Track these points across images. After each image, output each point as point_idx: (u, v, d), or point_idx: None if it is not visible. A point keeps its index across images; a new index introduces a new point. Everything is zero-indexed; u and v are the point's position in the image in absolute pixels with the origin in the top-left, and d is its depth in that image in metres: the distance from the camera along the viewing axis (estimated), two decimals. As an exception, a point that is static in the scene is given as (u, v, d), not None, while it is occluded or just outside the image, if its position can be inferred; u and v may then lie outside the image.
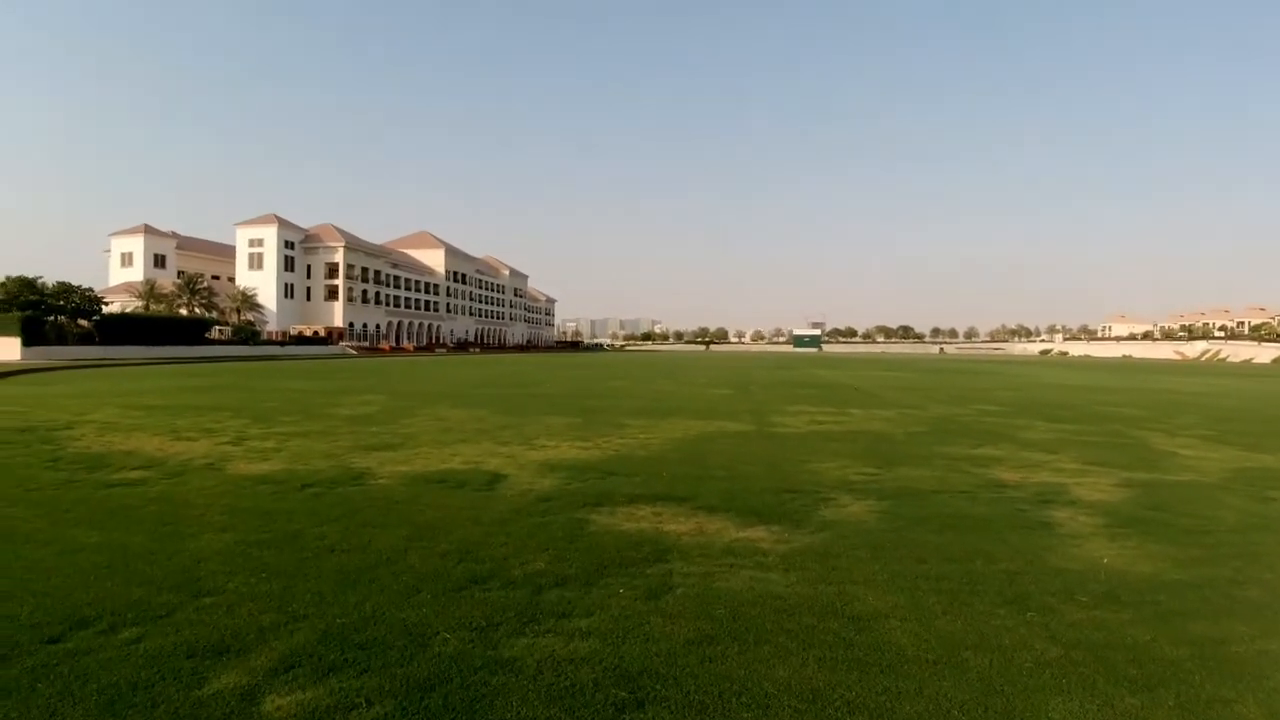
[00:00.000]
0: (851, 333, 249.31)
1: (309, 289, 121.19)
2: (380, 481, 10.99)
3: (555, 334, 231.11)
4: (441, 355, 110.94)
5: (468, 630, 5.51)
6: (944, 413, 24.23)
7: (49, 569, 6.77)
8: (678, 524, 8.86)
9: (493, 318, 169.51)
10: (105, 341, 74.26)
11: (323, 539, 7.77)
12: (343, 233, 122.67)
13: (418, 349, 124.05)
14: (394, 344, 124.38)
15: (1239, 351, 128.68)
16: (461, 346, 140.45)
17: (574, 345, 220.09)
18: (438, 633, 5.44)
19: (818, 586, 6.72)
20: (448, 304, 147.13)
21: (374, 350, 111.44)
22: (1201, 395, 35.32)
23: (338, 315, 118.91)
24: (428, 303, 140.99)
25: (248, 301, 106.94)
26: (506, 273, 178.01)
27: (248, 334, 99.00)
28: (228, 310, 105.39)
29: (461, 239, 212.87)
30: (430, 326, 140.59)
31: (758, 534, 8.47)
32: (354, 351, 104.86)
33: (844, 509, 9.82)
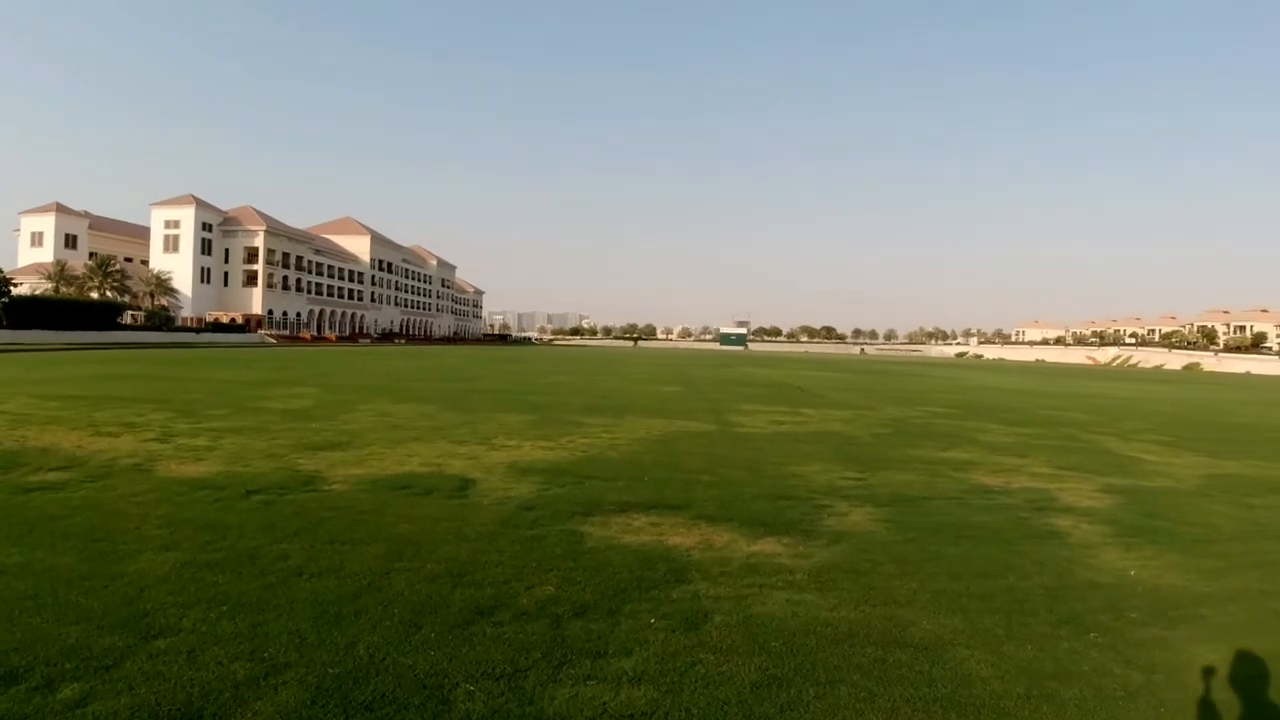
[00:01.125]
0: (776, 332, 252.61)
1: (227, 274, 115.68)
2: (335, 487, 9.81)
3: (483, 326, 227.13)
4: (366, 345, 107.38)
5: (492, 679, 4.56)
6: (896, 414, 24.06)
7: (-45, 600, 5.53)
8: (682, 536, 8.09)
9: (419, 308, 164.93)
10: (13, 325, 69.37)
11: (285, 559, 6.65)
12: (264, 216, 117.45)
13: (340, 339, 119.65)
14: (316, 333, 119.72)
15: (1150, 358, 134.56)
16: (386, 337, 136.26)
17: (502, 338, 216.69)
18: (457, 684, 4.47)
19: (863, 609, 6.13)
20: (372, 293, 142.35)
21: (295, 339, 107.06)
22: (1136, 401, 36.29)
23: (257, 302, 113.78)
24: (351, 291, 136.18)
25: (162, 285, 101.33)
26: (434, 262, 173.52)
27: (162, 319, 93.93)
28: (141, 294, 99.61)
29: (388, 227, 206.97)
30: (354, 315, 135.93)
31: (771, 547, 7.85)
32: (273, 340, 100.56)
33: (846, 518, 9.34)
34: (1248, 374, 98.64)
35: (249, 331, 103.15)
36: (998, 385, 47.11)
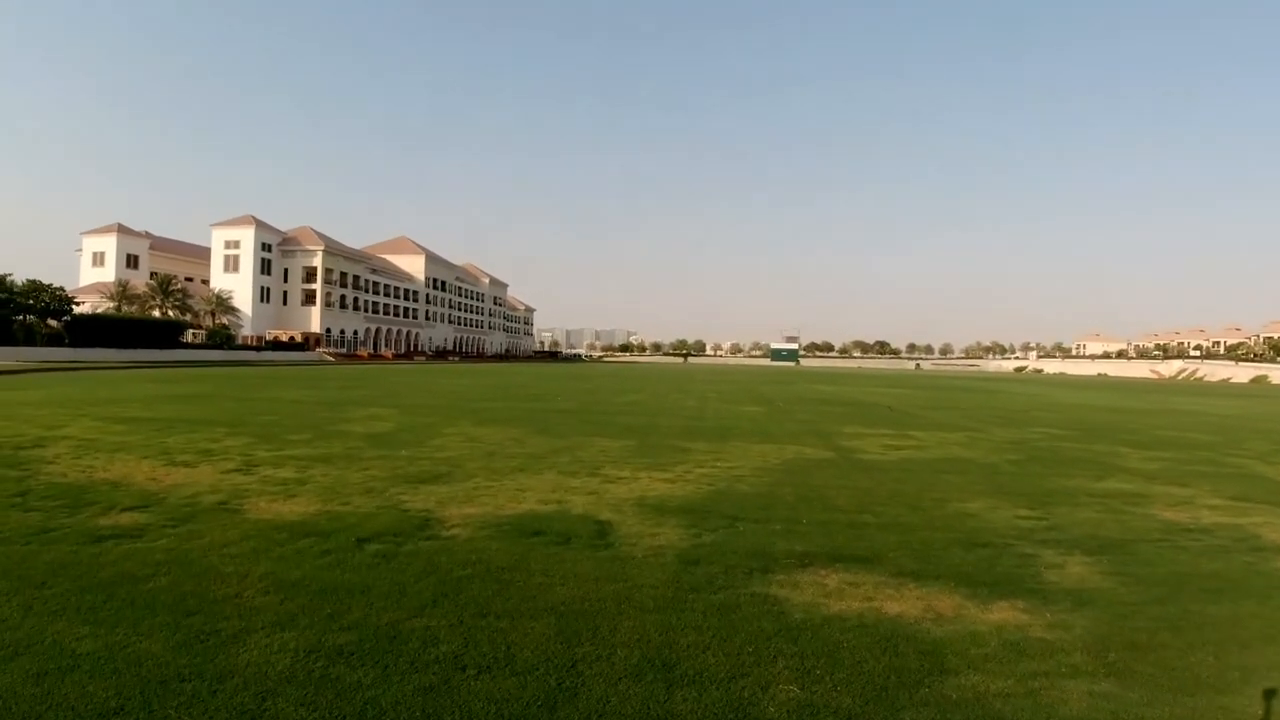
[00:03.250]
0: (829, 347, 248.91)
1: (285, 293, 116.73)
2: (456, 531, 8.40)
3: (534, 344, 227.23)
4: (421, 363, 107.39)
5: None
6: (1011, 436, 22.15)
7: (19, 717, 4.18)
8: (898, 602, 6.58)
9: (472, 326, 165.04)
10: (76, 343, 70.30)
11: (435, 642, 5.21)
12: (322, 236, 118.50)
13: (396, 356, 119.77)
14: (372, 351, 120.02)
15: (1216, 371, 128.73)
16: (440, 355, 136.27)
17: (552, 355, 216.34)
18: None
19: (1182, 700, 4.83)
20: (427, 311, 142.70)
21: (352, 357, 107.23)
22: (1237, 418, 33.66)
23: (315, 320, 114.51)
24: (406, 309, 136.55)
25: (223, 304, 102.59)
26: (486, 281, 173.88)
27: (223, 338, 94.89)
28: (202, 313, 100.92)
29: (440, 246, 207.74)
30: (408, 333, 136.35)
31: (1012, 616, 6.38)
32: (331, 358, 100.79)
33: (1064, 570, 7.88)
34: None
35: (307, 349, 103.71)
36: (1086, 403, 44.51)
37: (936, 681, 4.97)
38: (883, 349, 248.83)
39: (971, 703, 4.68)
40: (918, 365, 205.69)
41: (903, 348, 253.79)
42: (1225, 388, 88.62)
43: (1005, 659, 5.40)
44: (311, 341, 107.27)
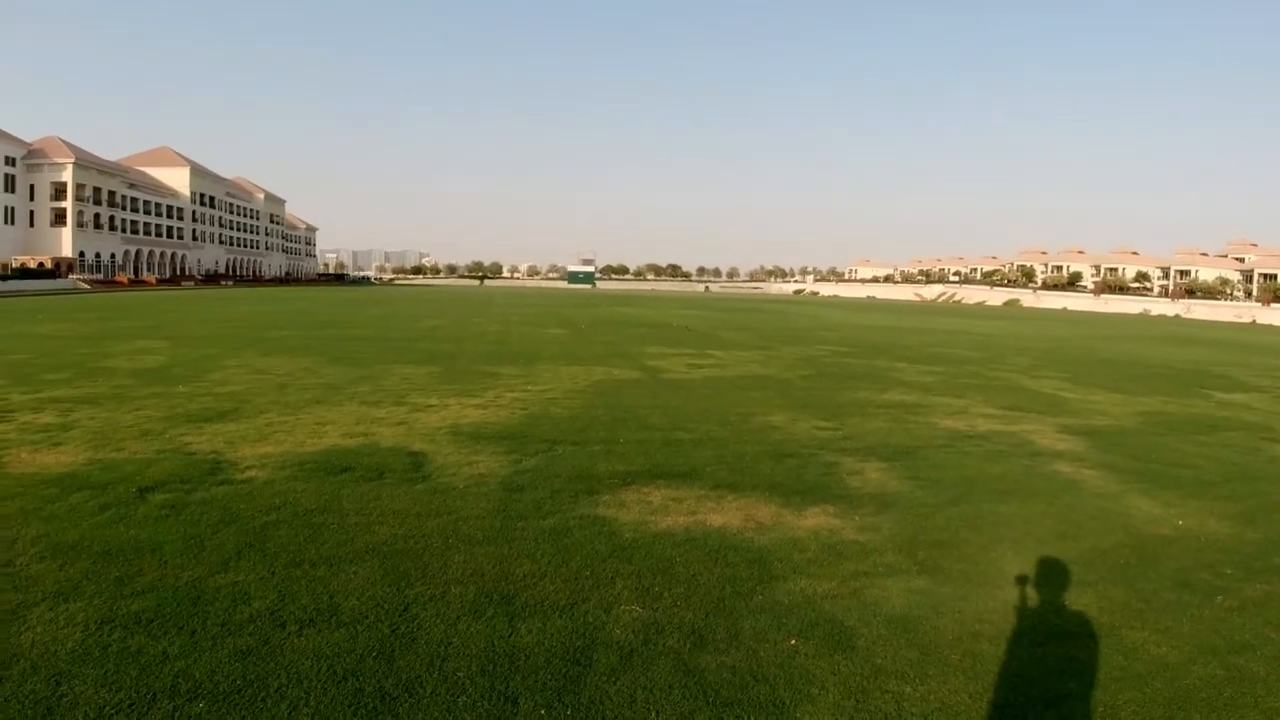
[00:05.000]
0: (624, 270, 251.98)
1: (32, 213, 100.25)
2: (253, 474, 7.63)
3: (317, 266, 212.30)
4: (190, 289, 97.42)
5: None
6: (802, 354, 23.59)
7: None
8: (721, 514, 6.81)
9: (246, 246, 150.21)
10: None
11: (246, 598, 4.67)
12: (72, 147, 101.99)
13: (161, 281, 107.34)
14: (133, 276, 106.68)
15: (973, 294, 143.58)
16: (212, 279, 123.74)
17: (339, 278, 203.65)
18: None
19: (991, 592, 5.29)
20: (194, 230, 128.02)
21: (111, 284, 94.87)
22: (998, 337, 37.85)
23: (66, 243, 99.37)
24: (171, 229, 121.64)
25: None
26: (261, 196, 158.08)
27: None
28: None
29: (210, 159, 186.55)
30: (174, 256, 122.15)
31: (826, 520, 6.81)
32: (87, 286, 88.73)
33: (864, 476, 8.53)
34: (1065, 309, 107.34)
35: (60, 277, 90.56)
36: (862, 323, 48.34)
37: (767, 588, 5.15)
38: (675, 272, 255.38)
39: (803, 606, 4.88)
40: (707, 288, 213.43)
41: (693, 271, 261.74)
42: (981, 310, 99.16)
43: (826, 562, 5.70)
44: (64, 267, 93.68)
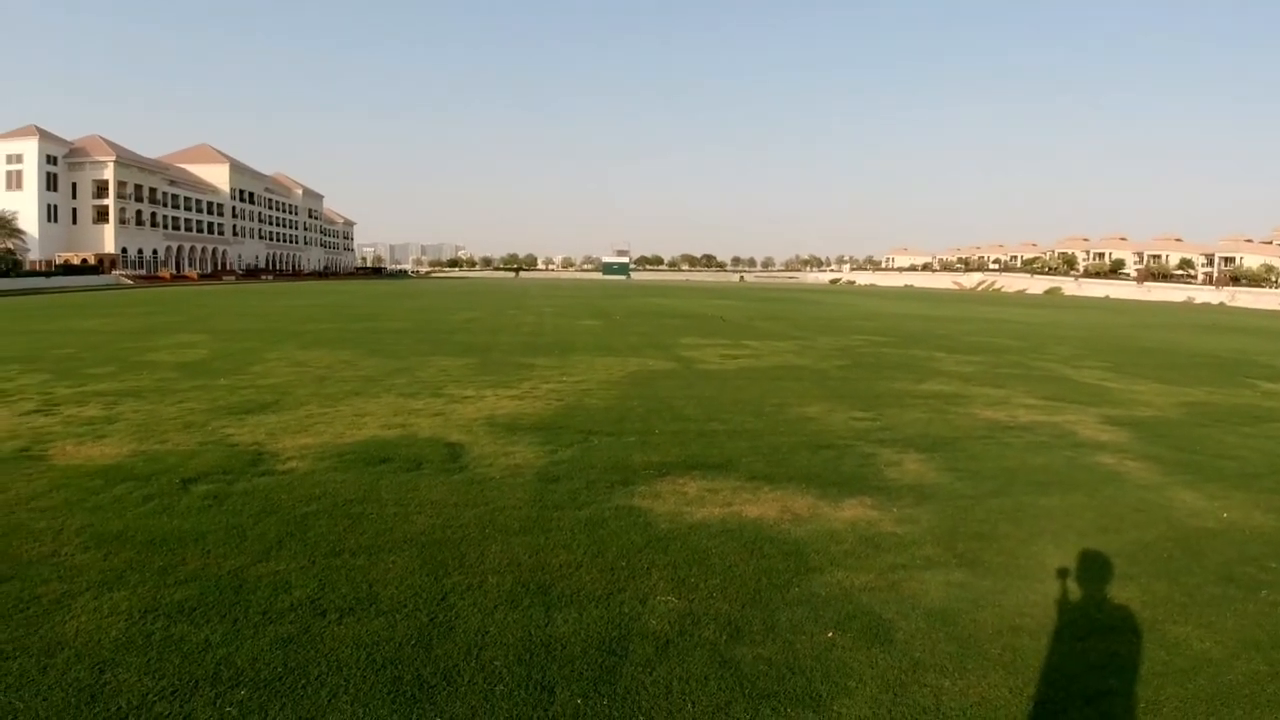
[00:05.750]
0: (658, 261, 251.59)
1: (75, 211, 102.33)
2: (293, 465, 7.77)
3: (355, 260, 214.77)
4: (231, 284, 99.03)
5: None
6: (837, 344, 23.39)
7: None
8: (756, 506, 6.77)
9: (286, 241, 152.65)
10: None
11: (287, 588, 4.76)
12: (113, 145, 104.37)
13: (202, 277, 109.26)
14: (175, 272, 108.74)
15: (1013, 282, 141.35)
16: (252, 273, 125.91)
17: (376, 271, 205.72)
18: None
19: (1034, 586, 5.23)
20: (234, 226, 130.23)
21: (153, 279, 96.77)
22: (1040, 325, 37.30)
23: (109, 240, 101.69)
24: (211, 225, 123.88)
25: (7, 227, 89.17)
26: (300, 192, 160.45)
27: (9, 264, 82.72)
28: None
29: (249, 156, 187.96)
30: (215, 251, 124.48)
31: (864, 512, 6.74)
32: (130, 281, 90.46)
33: (903, 467, 8.42)
34: (1107, 297, 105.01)
35: (103, 273, 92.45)
36: (899, 311, 47.80)
37: (804, 580, 5.12)
38: (709, 262, 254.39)
39: (840, 599, 4.85)
40: (742, 278, 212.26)
41: (728, 261, 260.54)
42: (1021, 298, 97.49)
43: (863, 554, 5.65)
44: (106, 264, 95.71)
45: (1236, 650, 4.33)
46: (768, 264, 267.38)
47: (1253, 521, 6.83)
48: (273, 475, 7.36)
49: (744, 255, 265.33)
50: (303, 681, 3.71)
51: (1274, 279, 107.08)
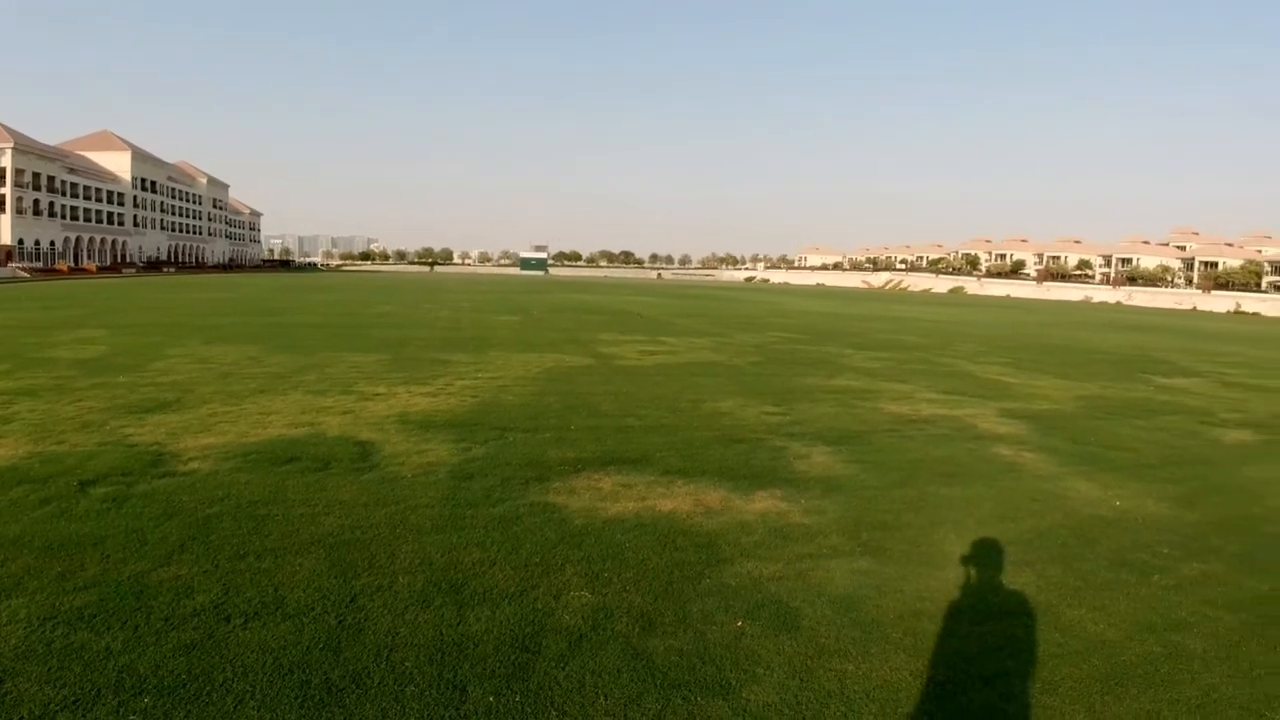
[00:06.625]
0: (576, 256, 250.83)
1: None
2: (195, 465, 7.47)
3: (262, 252, 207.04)
4: (132, 277, 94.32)
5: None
6: (752, 340, 23.81)
7: None
8: (670, 500, 6.88)
9: (189, 232, 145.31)
10: None
11: (190, 592, 4.59)
12: (10, 131, 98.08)
13: (101, 269, 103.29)
14: (73, 264, 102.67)
15: (919, 282, 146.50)
16: (153, 266, 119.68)
17: (285, 264, 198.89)
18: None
19: (935, 573, 5.46)
20: (136, 216, 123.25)
21: (51, 272, 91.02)
22: (945, 323, 38.71)
23: (5, 231, 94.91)
24: (112, 215, 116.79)
25: None
26: (204, 181, 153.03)
27: None
28: None
29: (152, 144, 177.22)
30: (115, 243, 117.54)
31: (773, 504, 6.92)
32: (26, 274, 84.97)
33: (811, 460, 8.69)
34: (1008, 297, 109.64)
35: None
36: (811, 309, 48.93)
37: (715, 571, 5.23)
38: (628, 259, 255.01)
39: (750, 588, 4.97)
40: (659, 275, 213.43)
41: (646, 258, 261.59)
42: (927, 297, 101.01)
43: (773, 545, 5.80)
44: (2, 256, 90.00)
45: (1130, 632, 4.60)
46: (685, 262, 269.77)
47: (1145, 509, 7.24)
48: (174, 477, 7.07)
49: (662, 253, 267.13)
50: (208, 688, 3.60)
51: (1170, 279, 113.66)
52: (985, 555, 5.80)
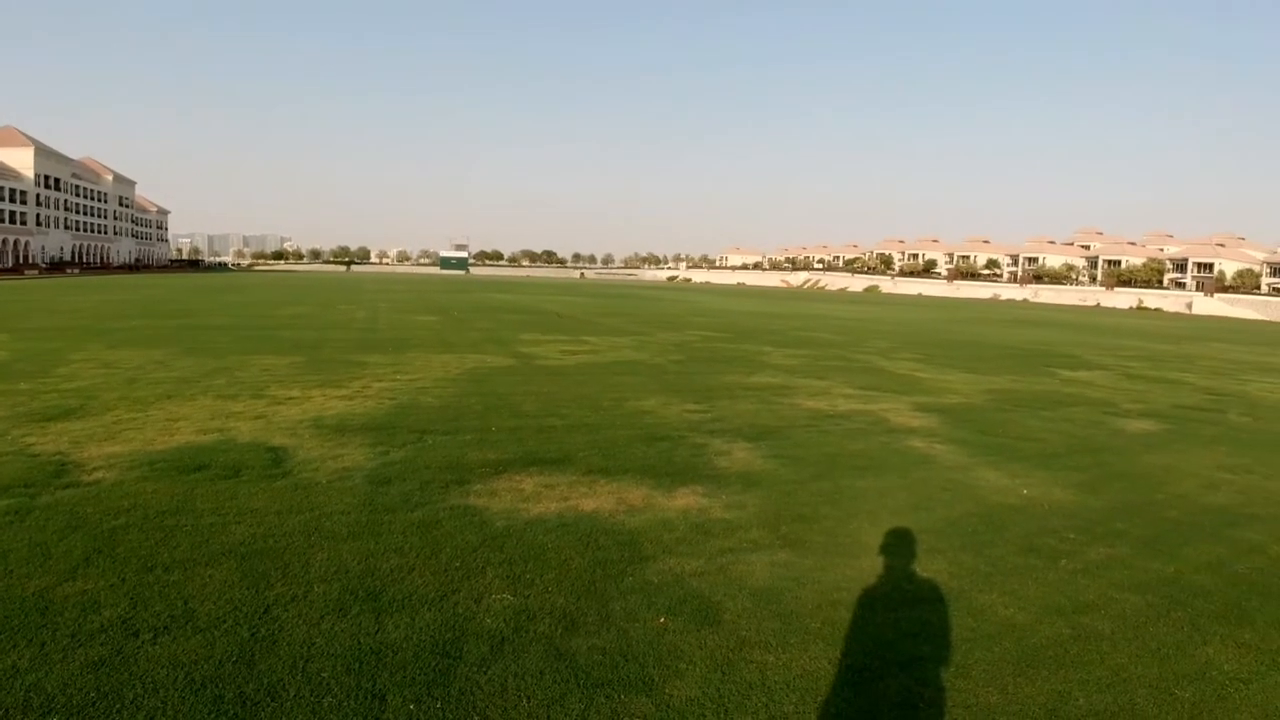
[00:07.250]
0: (498, 256, 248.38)
1: None
2: (101, 475, 7.12)
3: (170, 251, 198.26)
4: (34, 278, 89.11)
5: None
6: (675, 339, 24.04)
7: None
8: (593, 499, 6.93)
9: (94, 231, 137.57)
10: None
11: (97, 607, 4.38)
12: None
13: (2, 271, 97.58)
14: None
15: (836, 281, 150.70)
16: (57, 266, 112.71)
17: (194, 264, 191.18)
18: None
19: (851, 563, 5.65)
20: (38, 215, 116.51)
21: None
22: (860, 321, 39.82)
23: None
24: (13, 214, 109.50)
25: None
26: (110, 178, 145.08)
27: None
28: None
29: (57, 140, 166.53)
30: (17, 243, 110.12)
31: (695, 500, 7.04)
32: (-76, 276, 79.84)
33: (732, 456, 8.85)
34: (920, 295, 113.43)
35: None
36: (732, 308, 49.66)
37: (638, 569, 5.28)
38: (550, 258, 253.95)
39: (672, 584, 5.04)
40: (582, 274, 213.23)
41: (569, 258, 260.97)
42: (844, 295, 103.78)
43: (694, 540, 5.89)
44: None
45: (1039, 615, 4.82)
46: (608, 261, 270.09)
47: (1052, 497, 7.60)
48: (78, 487, 6.74)
49: (584, 252, 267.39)
50: (117, 705, 3.47)
51: (1075, 277, 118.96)
52: (900, 544, 6.01)
